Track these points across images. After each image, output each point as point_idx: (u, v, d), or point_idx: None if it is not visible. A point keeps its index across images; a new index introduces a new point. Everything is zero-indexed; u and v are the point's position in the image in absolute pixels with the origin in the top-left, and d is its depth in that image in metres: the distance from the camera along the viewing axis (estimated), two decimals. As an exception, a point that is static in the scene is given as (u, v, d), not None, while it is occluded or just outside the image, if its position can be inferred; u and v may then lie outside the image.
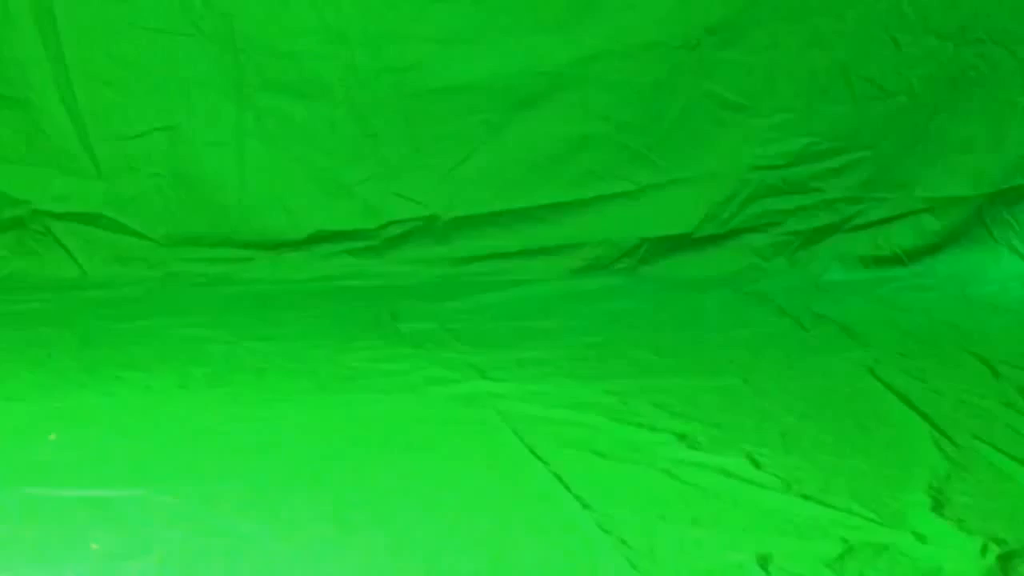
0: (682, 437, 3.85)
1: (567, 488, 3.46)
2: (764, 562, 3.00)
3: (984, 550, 3.09)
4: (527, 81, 5.98)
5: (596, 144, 6.01)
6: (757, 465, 3.62)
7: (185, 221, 6.01)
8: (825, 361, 4.67)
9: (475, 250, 5.98)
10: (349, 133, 6.03)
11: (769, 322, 5.21)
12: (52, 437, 3.89)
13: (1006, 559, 3.05)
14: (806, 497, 3.38)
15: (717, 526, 3.24)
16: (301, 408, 4.20)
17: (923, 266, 5.94)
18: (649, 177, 6.01)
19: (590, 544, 3.14)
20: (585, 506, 3.35)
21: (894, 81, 5.98)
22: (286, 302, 5.55)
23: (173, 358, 4.69)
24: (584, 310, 5.42)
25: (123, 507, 3.36)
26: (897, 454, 3.73)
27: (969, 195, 5.97)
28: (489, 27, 5.97)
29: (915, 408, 4.10)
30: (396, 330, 5.11)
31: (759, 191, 6.02)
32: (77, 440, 3.87)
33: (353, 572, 3.03)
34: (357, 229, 6.01)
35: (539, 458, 3.68)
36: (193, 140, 6.03)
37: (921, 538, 3.16)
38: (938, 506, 3.32)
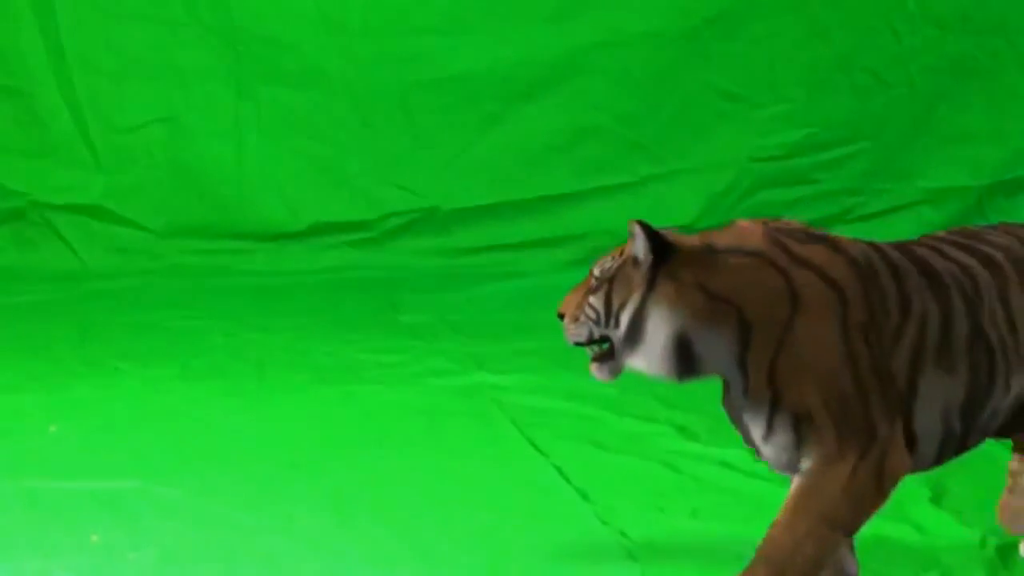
0: (681, 429, 3.85)
1: (567, 480, 3.46)
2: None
3: (983, 542, 3.09)
4: (527, 72, 5.97)
5: (595, 135, 6.00)
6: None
7: (184, 212, 6.01)
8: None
9: (474, 241, 5.97)
10: (348, 124, 6.02)
11: (769, 313, 5.20)
12: (52, 429, 3.89)
13: (1005, 550, 3.05)
14: (805, 489, 3.37)
15: (716, 518, 3.24)
16: (300, 399, 4.20)
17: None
18: (649, 168, 6.01)
19: (590, 536, 3.14)
20: (585, 498, 3.35)
21: (894, 72, 5.97)
22: (285, 293, 5.55)
23: (172, 350, 4.69)
24: (584, 301, 5.41)
25: (122, 498, 3.37)
26: (896, 445, 3.73)
27: (969, 185, 5.97)
28: (488, 18, 5.95)
29: (914, 399, 4.09)
30: (396, 321, 5.11)
31: (759, 182, 6.01)
32: (77, 432, 3.87)
33: (352, 563, 3.04)
34: (356, 220, 6.00)
35: (539, 450, 3.69)
36: (192, 131, 6.02)
37: (920, 529, 3.16)
38: (937, 498, 3.33)
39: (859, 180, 6.02)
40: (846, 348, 2.57)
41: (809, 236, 2.69)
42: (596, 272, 2.67)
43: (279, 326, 5.01)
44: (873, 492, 2.61)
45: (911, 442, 2.67)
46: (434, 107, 6.00)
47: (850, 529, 2.65)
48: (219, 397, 4.20)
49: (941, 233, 2.89)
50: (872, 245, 2.76)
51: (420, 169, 6.02)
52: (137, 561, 3.04)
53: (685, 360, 2.62)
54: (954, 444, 2.75)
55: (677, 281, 2.58)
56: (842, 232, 6.47)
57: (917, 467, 2.74)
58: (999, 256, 2.77)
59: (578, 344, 2.70)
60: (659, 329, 2.59)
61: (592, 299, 2.66)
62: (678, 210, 5.96)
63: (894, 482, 2.64)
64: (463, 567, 3.01)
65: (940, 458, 2.76)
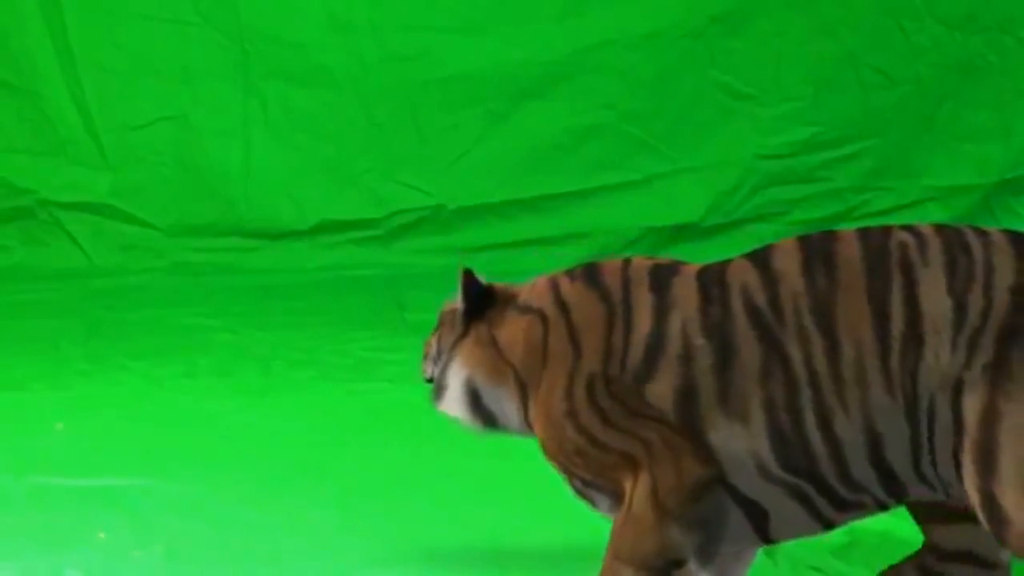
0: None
1: (572, 477, 3.46)
2: (771, 552, 3.00)
3: (989, 540, 3.08)
4: (532, 70, 5.97)
5: (601, 133, 6.00)
6: (762, 455, 3.62)
7: (191, 210, 6.01)
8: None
9: (481, 239, 5.97)
10: (354, 122, 6.02)
11: (775, 312, 5.20)
12: (59, 426, 3.90)
13: (1011, 549, 3.04)
14: (811, 487, 3.37)
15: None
16: (306, 397, 4.20)
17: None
18: (655, 166, 6.00)
19: (595, 533, 3.14)
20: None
21: (901, 70, 5.96)
22: (291, 291, 5.55)
23: (179, 348, 4.70)
24: (590, 300, 5.40)
25: (129, 496, 3.37)
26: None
27: (976, 184, 5.96)
28: (494, 16, 5.95)
29: (921, 398, 4.08)
30: (402, 319, 5.11)
31: (765, 180, 6.00)
32: (83, 429, 3.88)
33: (357, 560, 3.04)
34: (362, 218, 6.01)
35: (544, 447, 3.69)
36: (199, 130, 6.02)
37: (926, 528, 3.16)
38: (944, 496, 3.32)
39: (866, 178, 6.01)
40: (567, 405, 2.45)
41: (583, 270, 2.56)
42: (440, 313, 2.72)
43: (285, 324, 5.01)
44: (651, 515, 2.40)
45: (763, 515, 2.41)
46: (440, 106, 6.00)
47: (645, 561, 2.43)
48: (225, 395, 4.21)
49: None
50: (655, 266, 2.51)
51: (426, 167, 6.02)
52: (144, 558, 3.05)
53: (480, 413, 2.61)
54: (823, 506, 2.38)
55: (478, 333, 2.59)
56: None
57: (799, 533, 2.46)
58: (838, 256, 2.34)
59: (426, 381, 2.73)
60: (456, 377, 2.61)
61: (432, 338, 2.72)
62: (684, 208, 5.96)
63: (678, 496, 2.39)
64: (469, 564, 3.01)
65: (823, 518, 2.42)
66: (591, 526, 3.18)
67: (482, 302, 2.62)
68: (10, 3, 5.98)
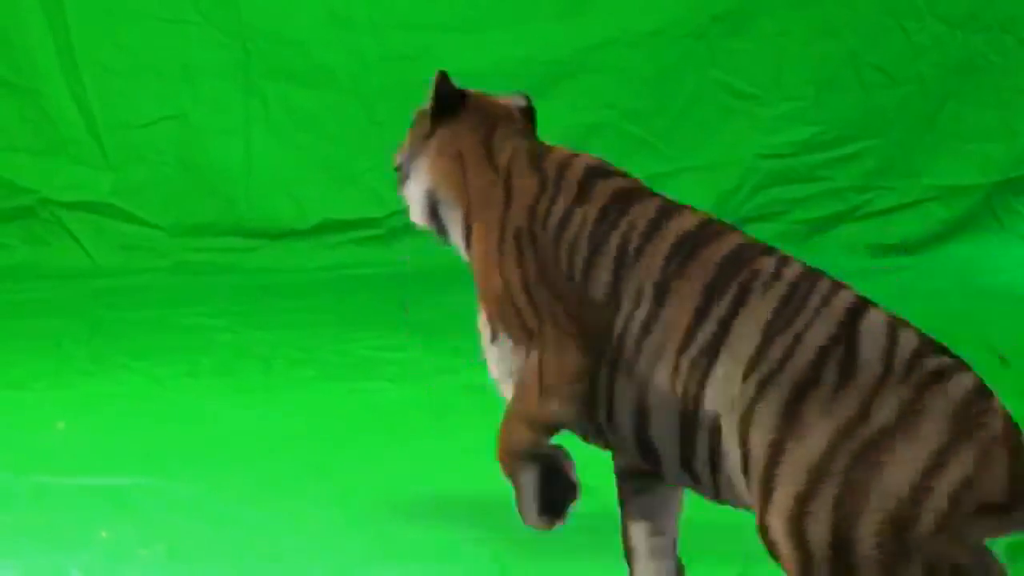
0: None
1: (573, 476, 3.47)
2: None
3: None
4: (533, 69, 5.96)
5: (602, 132, 6.00)
6: (763, 454, 3.61)
7: (193, 210, 6.02)
8: (832, 350, 4.65)
9: (482, 239, 5.98)
10: (355, 121, 6.02)
11: (776, 311, 5.20)
12: (60, 425, 3.91)
13: (1011, 549, 3.05)
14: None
15: (721, 510, 3.23)
16: (307, 396, 4.21)
17: (931, 255, 5.92)
18: (656, 166, 6.00)
19: (595, 529, 3.14)
20: (589, 493, 3.35)
21: (903, 69, 5.96)
22: (293, 291, 5.56)
23: (180, 347, 4.70)
24: (591, 299, 5.41)
25: (131, 495, 3.38)
26: (904, 443, 3.72)
27: (978, 183, 5.96)
28: (495, 15, 5.96)
29: (922, 397, 4.08)
30: (403, 319, 5.12)
31: (767, 180, 6.00)
32: (85, 428, 3.89)
33: (358, 559, 3.04)
34: (364, 218, 6.01)
35: (545, 447, 3.69)
36: (201, 129, 6.03)
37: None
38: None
39: (868, 178, 6.00)
40: (498, 249, 2.60)
41: (537, 148, 2.78)
42: (415, 113, 2.83)
43: (286, 323, 5.02)
44: (534, 388, 2.62)
45: (650, 451, 2.55)
46: (442, 104, 6.00)
47: (533, 421, 2.68)
48: (226, 394, 4.21)
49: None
50: (594, 168, 2.73)
51: (428, 166, 6.01)
52: (146, 557, 3.05)
53: (437, 221, 2.74)
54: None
55: (442, 141, 2.72)
56: (850, 229, 6.47)
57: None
58: (704, 251, 2.47)
59: (395, 168, 2.87)
60: (419, 186, 2.76)
61: (406, 139, 2.83)
62: (686, 207, 5.96)
63: (558, 379, 2.56)
64: (471, 562, 3.01)
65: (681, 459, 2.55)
66: (591, 527, 3.19)
67: (452, 105, 2.74)
68: (11, 2, 5.98)
